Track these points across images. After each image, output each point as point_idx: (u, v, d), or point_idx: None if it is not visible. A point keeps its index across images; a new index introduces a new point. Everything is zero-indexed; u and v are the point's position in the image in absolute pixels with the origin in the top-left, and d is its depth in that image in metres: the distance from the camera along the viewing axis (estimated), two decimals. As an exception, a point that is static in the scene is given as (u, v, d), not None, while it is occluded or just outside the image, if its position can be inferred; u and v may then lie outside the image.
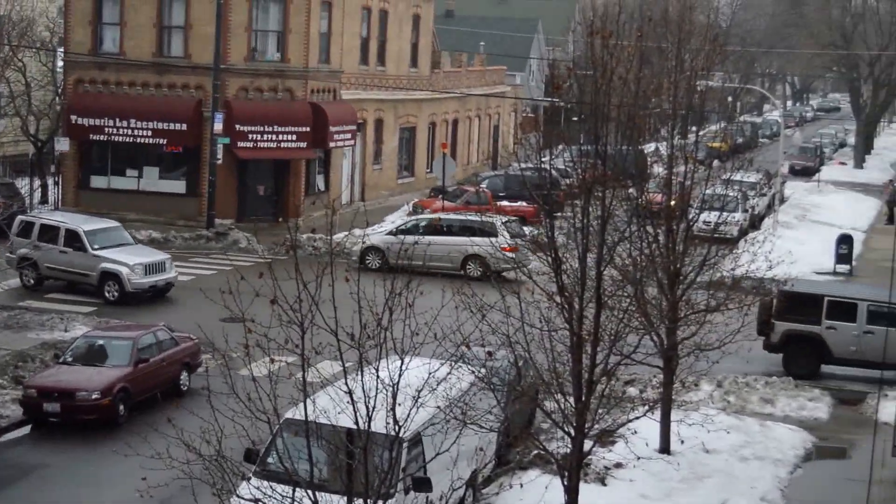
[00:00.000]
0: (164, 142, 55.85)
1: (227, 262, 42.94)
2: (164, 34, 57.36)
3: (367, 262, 47.17)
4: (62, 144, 56.63)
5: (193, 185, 56.40)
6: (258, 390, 15.15)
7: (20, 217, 44.23)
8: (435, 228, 46.03)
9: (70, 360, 30.11)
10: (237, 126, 54.82)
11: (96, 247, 41.49)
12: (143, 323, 34.48)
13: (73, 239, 41.73)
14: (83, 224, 42.53)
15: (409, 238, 44.95)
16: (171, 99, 56.27)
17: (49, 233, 42.13)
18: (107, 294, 40.90)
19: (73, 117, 56.74)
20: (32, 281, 42.36)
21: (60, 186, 58.42)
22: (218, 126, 53.90)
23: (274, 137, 55.62)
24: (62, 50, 61.94)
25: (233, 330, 20.83)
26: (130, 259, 41.16)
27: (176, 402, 28.61)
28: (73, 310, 39.46)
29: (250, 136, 55.26)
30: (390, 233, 47.20)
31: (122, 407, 28.83)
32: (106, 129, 56.15)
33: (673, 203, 25.61)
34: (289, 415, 17.26)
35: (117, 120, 55.95)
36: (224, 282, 17.42)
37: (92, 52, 57.60)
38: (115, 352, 30.14)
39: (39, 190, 61.78)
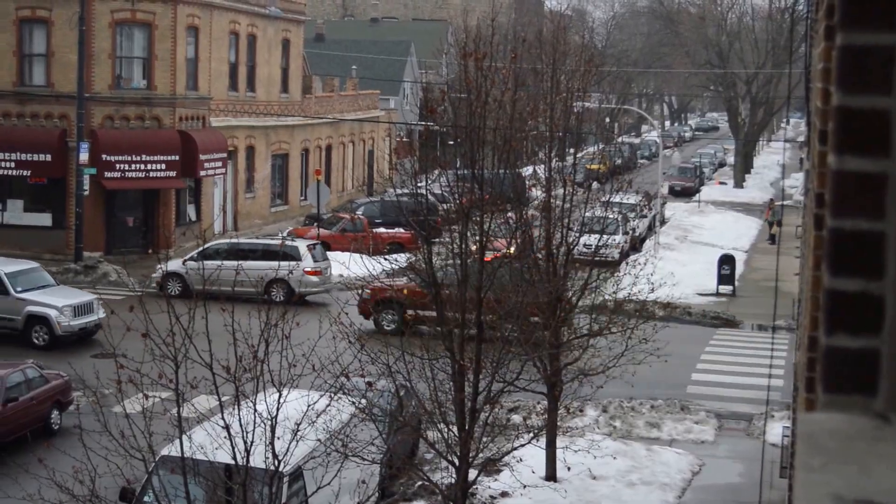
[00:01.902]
0: (28, 173, 55.19)
1: (97, 296, 42.47)
2: (24, 62, 56.72)
3: (169, 288, 46.44)
4: (-81, 178, 55.72)
5: (60, 218, 55.78)
6: (132, 427, 15.12)
7: None
8: (236, 253, 45.63)
9: (-67, 400, 29.61)
10: (104, 156, 54.36)
11: (19, 289, 39.83)
12: (11, 361, 33.98)
13: None
14: (2, 266, 40.76)
15: (211, 263, 45.01)
16: (34, 129, 55.64)
17: None
18: (35, 339, 39.29)
19: (-71, 150, 55.87)
20: None
21: (-82, 221, 57.41)
22: (83, 156, 53.41)
23: (142, 167, 55.24)
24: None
25: (104, 366, 20.73)
26: (58, 301, 39.50)
27: (47, 443, 28.24)
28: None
29: (117, 165, 54.83)
30: (189, 258, 46.45)
31: (-11, 449, 28.41)
32: (-35, 161, 55.41)
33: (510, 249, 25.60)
34: (164, 452, 17.22)
35: (-23, 151, 55.24)
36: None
37: (-52, 81, 56.83)
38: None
39: None
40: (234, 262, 32.54)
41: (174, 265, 46.57)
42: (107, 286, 49.58)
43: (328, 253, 54.20)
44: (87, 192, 53.69)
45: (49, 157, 54.98)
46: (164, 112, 56.41)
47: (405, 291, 44.24)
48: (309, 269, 47.82)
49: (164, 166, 55.60)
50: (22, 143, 54.99)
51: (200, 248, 48.07)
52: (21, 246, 53.93)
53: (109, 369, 17.03)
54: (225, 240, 50.14)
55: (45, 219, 56.04)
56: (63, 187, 55.52)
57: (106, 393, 19.22)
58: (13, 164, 55.08)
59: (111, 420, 15.49)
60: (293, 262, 46.80)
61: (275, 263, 45.44)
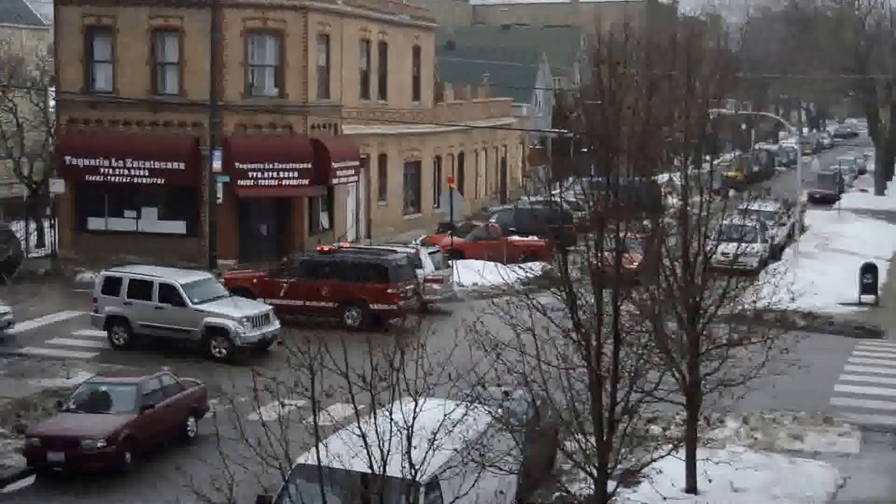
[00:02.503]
0: (162, 181, 56.03)
1: (271, 306, 42.69)
2: (158, 71, 57.62)
3: None
4: (57, 186, 56.77)
5: (193, 225, 56.54)
6: (268, 435, 15.18)
7: (103, 273, 42.36)
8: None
9: (73, 407, 30.09)
10: (236, 164, 55.00)
11: (196, 300, 40.04)
12: (148, 368, 34.49)
13: (169, 293, 40.09)
14: (178, 277, 40.97)
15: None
16: (168, 137, 56.49)
17: (140, 288, 40.53)
18: (213, 350, 39.39)
19: (67, 158, 56.97)
20: (123, 340, 40.65)
21: (57, 229, 58.54)
22: (217, 164, 54.11)
23: (274, 175, 55.77)
24: (53, 89, 62.22)
25: (240, 374, 20.93)
26: (235, 312, 39.50)
27: (184, 451, 28.55)
28: (75, 356, 39.47)
29: (250, 173, 55.43)
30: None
31: (128, 455, 28.81)
32: (101, 170, 56.38)
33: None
34: (301, 460, 17.28)
35: (112, 160, 56.19)
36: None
37: (84, 91, 57.87)
38: (119, 398, 30.11)
39: (35, 233, 61.95)
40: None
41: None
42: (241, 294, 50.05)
43: (462, 261, 54.31)
44: (220, 200, 54.35)
45: (182, 166, 55.80)
46: (296, 120, 56.92)
47: (254, 281, 44.79)
48: (430, 277, 47.80)
49: (296, 174, 56.07)
50: (155, 151, 55.90)
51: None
52: (156, 254, 54.70)
53: (246, 377, 17.16)
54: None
55: (179, 226, 56.81)
56: (196, 195, 56.27)
57: (242, 401, 19.43)
58: (147, 173, 55.99)
59: (247, 428, 15.59)
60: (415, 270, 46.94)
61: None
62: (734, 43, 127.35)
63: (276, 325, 40.37)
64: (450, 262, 51.88)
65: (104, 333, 41.16)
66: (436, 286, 47.81)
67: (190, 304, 39.81)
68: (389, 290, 43.66)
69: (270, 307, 41.31)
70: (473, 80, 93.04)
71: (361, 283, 44.10)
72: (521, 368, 20.13)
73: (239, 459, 15.71)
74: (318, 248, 47.63)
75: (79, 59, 58.12)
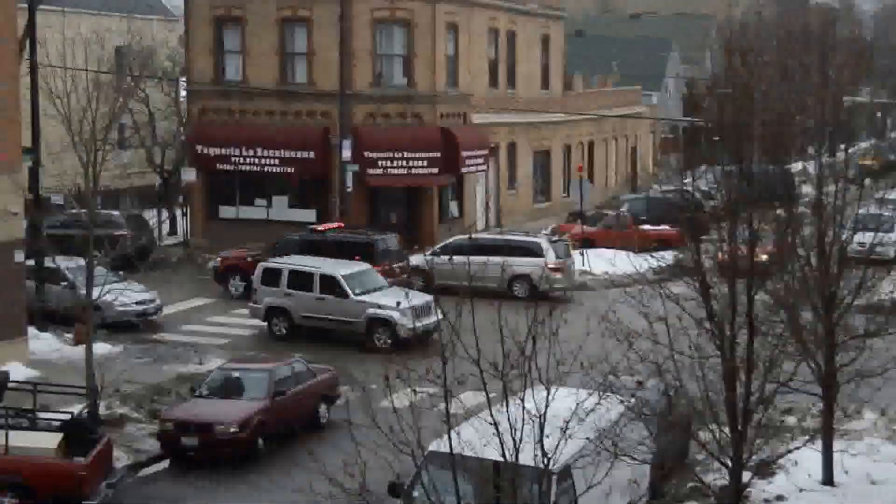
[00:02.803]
0: (292, 170, 56.55)
1: (432, 296, 42.86)
2: (287, 61, 58.15)
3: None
4: (188, 175, 57.64)
5: (324, 214, 56.96)
6: (400, 422, 15.25)
7: (262, 265, 42.65)
8: (479, 249, 45.00)
9: (206, 393, 30.60)
10: (366, 153, 55.31)
11: (357, 291, 40.45)
12: (278, 354, 34.89)
13: (329, 285, 40.52)
14: (338, 269, 41.33)
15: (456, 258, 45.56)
16: (297, 127, 57.00)
17: (301, 279, 41.00)
18: (377, 341, 39.37)
19: (199, 147, 57.73)
20: (284, 330, 41.04)
21: (189, 217, 59.42)
22: (346, 153, 54.46)
23: (404, 164, 55.99)
24: (184, 79, 63.09)
25: (371, 362, 21.11)
26: (396, 303, 39.43)
27: (316, 437, 28.79)
28: (208, 342, 40.05)
29: (379, 162, 55.72)
30: (433, 253, 46.13)
31: (260, 440, 29.22)
32: (232, 159, 57.06)
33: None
34: (433, 447, 17.33)
35: (243, 149, 56.82)
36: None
37: (215, 81, 58.60)
38: (251, 384, 30.54)
39: (168, 221, 62.88)
40: (476, 258, 32.99)
41: (417, 260, 47.26)
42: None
43: (593, 250, 54.14)
44: (350, 189, 54.73)
45: (312, 155, 56.24)
46: (425, 109, 57.10)
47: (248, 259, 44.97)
48: (552, 265, 47.62)
49: (425, 163, 56.23)
50: (285, 140, 56.40)
51: (443, 244, 48.78)
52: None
53: (377, 365, 17.29)
54: (464, 236, 50.74)
55: (309, 215, 57.21)
56: (326, 184, 56.71)
57: (373, 388, 19.57)
58: (277, 162, 56.53)
59: (379, 415, 15.69)
60: (536, 259, 46.95)
61: (518, 259, 46.48)
62: (868, 30, 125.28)
63: (438, 314, 40.00)
64: (577, 251, 51.73)
65: (235, 320, 41.68)
66: (557, 275, 47.66)
67: (352, 295, 40.06)
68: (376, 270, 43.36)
69: (431, 297, 41.28)
70: (602, 70, 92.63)
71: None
72: (654, 358, 20.03)
73: (371, 446, 15.85)
74: (311, 229, 48.04)
75: (209, 49, 58.84)
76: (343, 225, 49.49)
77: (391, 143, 55.86)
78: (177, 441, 28.91)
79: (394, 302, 39.33)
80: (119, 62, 63.01)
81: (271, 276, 41.42)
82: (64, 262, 40.27)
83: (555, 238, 51.12)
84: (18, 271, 36.41)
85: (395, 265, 45.53)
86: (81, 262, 34.17)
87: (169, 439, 29.08)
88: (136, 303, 41.77)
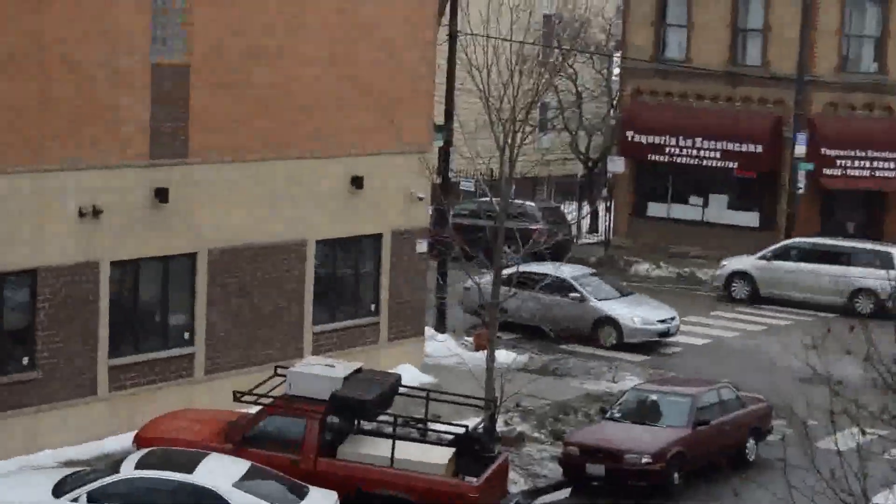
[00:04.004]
0: (735, 165, 56.08)
1: (808, 312, 42.34)
2: (737, 38, 57.57)
3: (733, 290, 47.76)
4: (616, 165, 57.90)
5: (768, 218, 56.26)
6: (843, 466, 14.88)
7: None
8: (818, 255, 43.80)
9: (617, 415, 30.80)
10: (823, 149, 54.27)
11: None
12: (704, 378, 34.67)
13: None
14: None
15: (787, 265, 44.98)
16: (744, 115, 56.42)
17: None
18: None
19: (629, 133, 57.96)
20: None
21: (612, 213, 59.71)
22: (799, 149, 53.60)
23: (867, 164, 54.65)
24: (619, 55, 63.41)
25: (814, 393, 20.64)
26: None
27: (742, 476, 28.53)
28: (624, 357, 40.22)
29: (838, 161, 54.58)
30: (762, 256, 45.30)
31: (676, 474, 29.13)
32: (667, 149, 57.03)
33: None
34: (879, 500, 16.82)
35: (680, 138, 56.71)
36: (804, 334, 17.28)
37: (653, 59, 58.65)
38: (670, 410, 30.54)
39: (588, 217, 63.38)
40: (812, 266, 33.40)
41: (742, 263, 46.54)
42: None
43: None
44: (801, 190, 53.83)
45: (759, 148, 55.56)
46: (898, 101, 55.58)
47: None
48: None
49: (893, 164, 54.75)
50: (730, 130, 55.92)
51: (775, 246, 47.63)
52: (721, 249, 54.88)
53: (821, 397, 16.89)
54: (806, 238, 49.21)
55: (751, 219, 56.67)
56: (773, 184, 55.99)
57: (814, 424, 19.12)
58: (718, 155, 56.09)
59: (819, 456, 15.35)
60: (886, 271, 45.00)
61: (861, 270, 46.33)
62: None
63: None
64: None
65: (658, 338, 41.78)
66: None
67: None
68: None
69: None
70: None
71: None
72: None
73: (807, 491, 15.51)
74: None
75: (650, 22, 58.86)
76: None
77: (854, 139, 54.61)
78: (581, 468, 29.12)
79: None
80: (547, 32, 63.78)
81: None
82: (568, 271, 42.06)
83: None
84: (420, 262, 37.46)
85: None
86: (585, 269, 36.74)
87: (572, 465, 29.32)
88: (660, 321, 42.36)
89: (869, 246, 49.43)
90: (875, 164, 54.70)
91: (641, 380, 35.66)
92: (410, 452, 26.35)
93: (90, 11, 28.68)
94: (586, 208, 63.52)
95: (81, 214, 28.83)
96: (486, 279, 31.26)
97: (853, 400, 15.68)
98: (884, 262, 46.65)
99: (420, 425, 28.31)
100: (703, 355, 41.20)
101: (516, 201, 45.89)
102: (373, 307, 36.27)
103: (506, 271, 30.97)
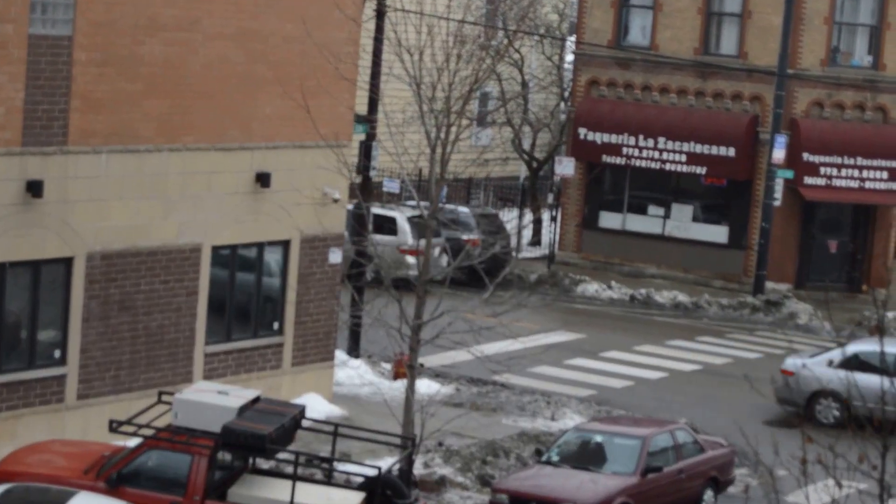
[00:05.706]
0: (703, 171, 56.34)
1: (780, 343, 42.55)
2: (711, 24, 57.76)
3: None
4: (565, 167, 57.90)
5: (738, 234, 56.54)
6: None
7: None
8: None
9: (555, 459, 30.94)
10: (805, 154, 54.59)
11: None
12: (657, 418, 34.84)
13: None
14: None
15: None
16: (716, 113, 56.69)
17: None
18: None
19: (582, 131, 58.09)
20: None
21: (558, 223, 59.67)
22: (778, 154, 53.84)
23: (856, 173, 54.93)
24: (573, 39, 63.50)
25: (785, 437, 20.85)
26: None
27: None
28: (565, 391, 40.36)
29: (822, 169, 54.89)
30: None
31: (619, 529, 29.32)
32: (624, 150, 57.18)
33: None
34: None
35: (640, 138, 56.89)
36: (775, 370, 17.48)
37: (612, 45, 58.74)
38: (616, 454, 30.71)
39: (530, 227, 63.38)
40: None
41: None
42: (794, 331, 49.82)
43: None
44: (777, 202, 54.01)
45: (732, 152, 55.80)
46: (893, 101, 55.88)
47: None
48: None
49: (885, 175, 55.07)
50: (698, 130, 56.13)
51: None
52: (683, 267, 55.18)
53: (793, 443, 17.03)
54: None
55: (718, 233, 56.97)
56: (746, 193, 56.27)
57: (783, 474, 19.23)
58: (684, 159, 56.31)
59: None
60: None
61: None
62: None
63: None
64: None
65: (608, 366, 41.76)
66: None
67: None
68: None
69: None
70: None
71: None
72: None
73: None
74: None
75: (610, 2, 59.03)
76: None
77: (842, 145, 54.92)
78: (511, 519, 29.26)
79: None
80: (491, 11, 63.86)
81: None
82: None
83: None
84: (332, 275, 37.40)
85: None
86: None
87: (500, 516, 29.47)
88: None
89: None
90: (864, 173, 54.97)
91: (585, 418, 35.77)
92: (313, 496, 26.31)
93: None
94: (528, 217, 63.59)
95: (-64, 209, 28.75)
96: None
97: (829, 447, 15.81)
98: None
99: (326, 465, 28.29)
100: (658, 391, 41.32)
101: (448, 206, 46.00)
102: (276, 326, 36.15)
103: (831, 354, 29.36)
